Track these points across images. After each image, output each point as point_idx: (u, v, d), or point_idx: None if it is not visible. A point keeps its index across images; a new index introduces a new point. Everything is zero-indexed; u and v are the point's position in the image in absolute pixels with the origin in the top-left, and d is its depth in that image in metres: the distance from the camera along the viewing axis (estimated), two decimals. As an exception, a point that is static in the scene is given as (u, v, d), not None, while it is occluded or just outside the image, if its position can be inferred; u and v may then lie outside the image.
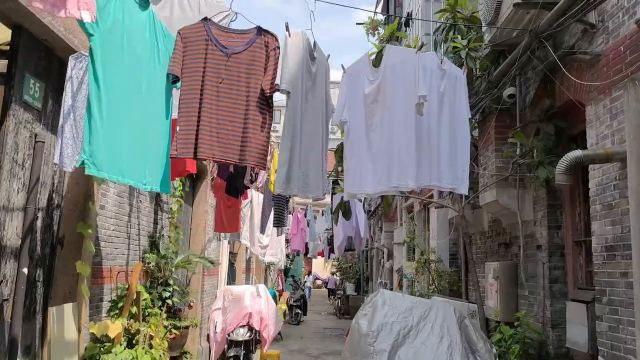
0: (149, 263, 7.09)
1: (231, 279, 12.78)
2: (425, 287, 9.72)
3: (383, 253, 16.16)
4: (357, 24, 15.17)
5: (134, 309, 5.90)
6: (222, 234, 10.50)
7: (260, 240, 12.23)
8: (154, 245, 7.45)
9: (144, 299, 6.18)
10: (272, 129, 3.96)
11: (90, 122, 3.19)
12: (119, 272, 6.12)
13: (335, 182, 17.63)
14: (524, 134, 5.61)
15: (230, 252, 12.85)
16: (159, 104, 3.89)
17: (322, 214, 16.16)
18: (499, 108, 6.05)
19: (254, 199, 12.09)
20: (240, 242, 12.28)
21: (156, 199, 7.70)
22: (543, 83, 5.59)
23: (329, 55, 4.28)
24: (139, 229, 7.09)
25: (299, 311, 18.25)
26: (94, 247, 5.61)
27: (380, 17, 14.62)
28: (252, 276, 16.54)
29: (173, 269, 7.20)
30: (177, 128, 3.87)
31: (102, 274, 6.06)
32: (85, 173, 3.25)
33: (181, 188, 7.43)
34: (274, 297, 15.41)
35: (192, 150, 3.86)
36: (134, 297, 5.91)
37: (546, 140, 5.35)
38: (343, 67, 4.29)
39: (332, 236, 14.10)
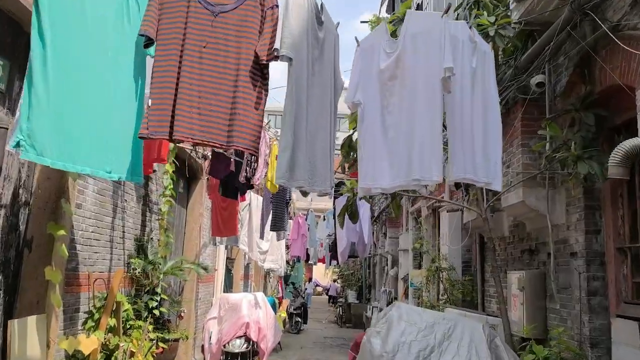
0: (134, 269, 6.36)
1: (228, 287, 12.03)
2: (435, 297, 8.97)
3: (387, 260, 15.40)
4: (362, 22, 14.48)
5: (113, 321, 5.17)
6: (218, 239, 9.76)
7: (259, 246, 11.49)
8: (141, 249, 6.72)
9: (125, 310, 5.44)
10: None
11: (30, 92, 2.47)
12: (96, 280, 5.39)
13: (338, 184, 16.92)
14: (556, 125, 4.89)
15: (227, 258, 12.10)
16: (128, 73, 3.16)
17: (324, 219, 15.40)
18: (527, 98, 5.33)
19: (253, 201, 11.37)
20: (238, 247, 11.54)
21: (144, 198, 6.98)
22: (579, 67, 4.87)
23: (338, 23, 3.57)
24: (123, 232, 6.36)
25: (300, 319, 17.45)
26: (67, 251, 4.88)
27: (386, 14, 13.96)
28: (251, 283, 15.77)
29: (161, 276, 6.46)
30: (149, 102, 3.14)
31: (79, 282, 5.33)
32: (20, 158, 2.53)
33: (171, 187, 6.71)
34: (274, 305, 14.64)
35: (167, 130, 3.13)
36: (113, 308, 5.17)
37: (585, 131, 4.63)
38: (357, 40, 3.58)
39: (334, 242, 13.36)
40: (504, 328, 5.19)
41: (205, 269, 7.37)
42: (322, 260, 24.10)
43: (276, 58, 3.10)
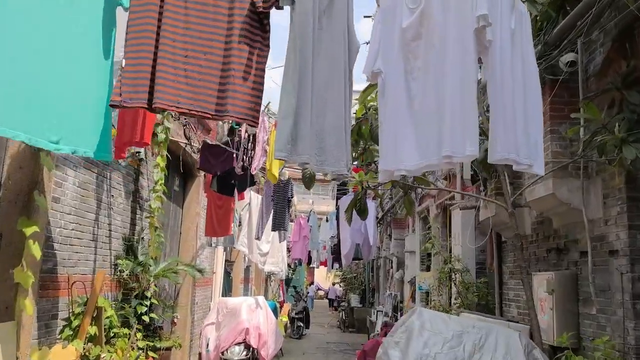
0: (122, 271, 5.75)
1: (227, 290, 11.42)
2: (447, 301, 8.35)
3: (392, 263, 14.78)
4: (365, 16, 13.95)
5: (94, 329, 4.55)
6: (215, 239, 9.15)
7: (259, 247, 10.88)
8: (130, 250, 6.12)
9: (109, 317, 4.83)
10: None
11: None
12: (74, 282, 4.77)
13: (343, 184, 16.28)
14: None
15: (226, 261, 11.49)
16: (90, 26, 2.55)
17: (327, 220, 14.78)
18: (557, 79, 4.74)
19: (253, 200, 10.76)
20: (236, 248, 10.93)
21: (134, 195, 6.38)
22: (618, 42, 4.28)
23: (349, -26, 2.99)
24: (110, 230, 5.76)
25: (301, 324, 16.81)
26: (41, 250, 4.27)
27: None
28: (251, 287, 15.15)
29: (151, 279, 5.85)
30: (123, 63, 2.54)
31: (56, 285, 4.72)
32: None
33: (162, 182, 6.11)
34: (275, 309, 14.01)
35: (146, 97, 2.52)
36: (94, 314, 4.56)
37: (629, 112, 4.03)
38: (377, 1, 2.98)
39: (336, 244, 12.73)
40: (533, 336, 4.57)
41: (200, 271, 6.77)
42: (324, 264, 23.46)
43: (275, 3, 2.50)
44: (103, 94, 2.62)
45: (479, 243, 7.91)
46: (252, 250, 10.58)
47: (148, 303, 5.76)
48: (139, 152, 5.72)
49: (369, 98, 4.91)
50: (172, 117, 6.49)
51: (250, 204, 10.72)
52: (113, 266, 5.82)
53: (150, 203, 6.06)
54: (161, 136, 6.09)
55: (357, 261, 15.40)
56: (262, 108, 6.32)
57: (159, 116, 6.18)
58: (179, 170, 8.68)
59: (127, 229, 6.21)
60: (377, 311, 15.34)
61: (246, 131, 5.75)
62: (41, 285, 4.46)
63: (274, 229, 8.90)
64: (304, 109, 2.46)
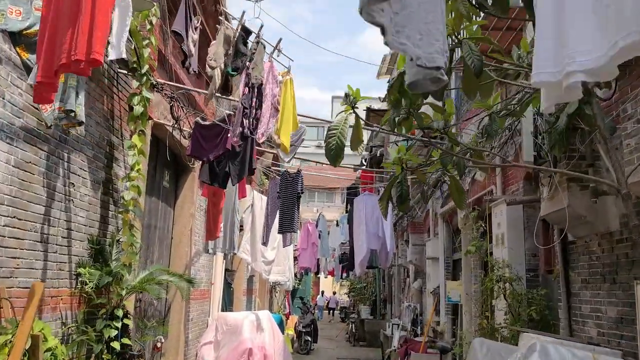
0: (84, 283, 4.30)
1: (228, 304, 9.93)
2: (487, 315, 6.81)
3: (408, 271, 13.27)
4: (334, 97, 12.57)
5: (29, 367, 3.09)
6: (211, 245, 7.67)
7: (264, 255, 9.41)
8: (100, 255, 4.66)
9: (50, 349, 3.35)
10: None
11: None
12: (2, 299, 3.30)
13: (351, 188, 14.85)
14: None
15: (226, 270, 10.01)
16: None
17: (337, 225, 13.24)
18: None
19: (256, 202, 9.31)
20: (238, 255, 9.46)
21: (105, 185, 4.92)
22: None
23: None
24: (69, 230, 4.31)
25: (309, 338, 15.27)
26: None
27: None
28: (255, 299, 13.63)
29: (124, 292, 4.38)
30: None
31: (-21, 303, 3.27)
32: None
33: (140, 167, 4.66)
34: (280, 323, 12.49)
35: None
36: (27, 345, 3.10)
37: None
38: None
39: (350, 251, 11.24)
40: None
41: (190, 282, 5.30)
42: (332, 273, 21.93)
43: None
44: None
45: (529, 245, 6.44)
46: (256, 257, 9.11)
47: (119, 325, 4.28)
48: (72, 112, 3.74)
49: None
50: (154, 85, 5.06)
51: (254, 205, 9.27)
52: (74, 276, 4.36)
53: (124, 194, 4.61)
54: (138, 109, 4.67)
55: (372, 269, 13.88)
56: (274, 52, 4.88)
57: (135, 83, 4.77)
58: (168, 162, 7.24)
59: (95, 228, 4.75)
60: (393, 324, 13.81)
61: (248, 84, 4.27)
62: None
63: (281, 231, 7.42)
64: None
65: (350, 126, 3.43)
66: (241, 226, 9.47)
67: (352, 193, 13.10)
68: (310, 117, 10.75)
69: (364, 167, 17.01)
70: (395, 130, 3.64)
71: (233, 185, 5.59)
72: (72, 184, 4.32)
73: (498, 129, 4.24)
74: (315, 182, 34.68)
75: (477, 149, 4.05)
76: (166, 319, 7.42)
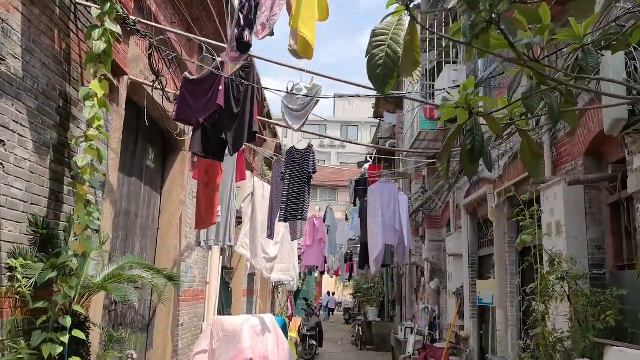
0: (17, 281, 3.02)
1: (225, 306, 8.62)
2: (539, 320, 5.49)
3: (423, 270, 11.97)
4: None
5: None
6: (204, 236, 6.37)
7: (265, 250, 8.11)
8: (49, 243, 3.38)
9: None
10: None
11: None
12: None
13: (360, 180, 13.53)
14: None
15: (224, 267, 8.71)
16: None
17: (346, 219, 11.88)
18: None
19: (257, 190, 8.02)
20: (233, 250, 8.17)
21: (57, 150, 3.62)
22: None
23: None
24: (-4, 204, 3.02)
25: (314, 342, 13.96)
26: None
27: None
28: (256, 301, 12.32)
29: (73, 294, 3.09)
30: None
31: None
32: None
33: (101, 122, 3.37)
34: (284, 327, 11.19)
35: None
36: None
37: None
38: None
39: (364, 247, 9.91)
40: None
41: (171, 278, 3.99)
42: (336, 273, 20.62)
43: None
44: None
45: (593, 235, 5.16)
46: (256, 253, 7.81)
47: (65, 338, 2.99)
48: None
49: None
50: (123, 20, 3.78)
51: (254, 194, 7.99)
52: (5, 270, 3.08)
53: (77, 159, 3.31)
54: (99, 45, 3.39)
55: (385, 267, 12.55)
56: None
57: (95, 10, 3.49)
58: (153, 138, 5.99)
59: (41, 206, 3.46)
60: (406, 328, 12.51)
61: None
62: None
63: (285, 219, 6.10)
64: None
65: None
66: (239, 218, 8.19)
67: (361, 184, 11.80)
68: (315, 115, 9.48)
69: (369, 163, 15.73)
70: (472, 43, 2.37)
71: (231, 155, 4.31)
72: (1, 141, 3.03)
73: (596, 63, 2.96)
74: (317, 179, 33.45)
75: (581, 87, 2.74)
76: (151, 324, 6.14)
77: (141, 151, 5.73)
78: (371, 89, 6.67)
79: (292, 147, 5.99)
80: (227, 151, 4.26)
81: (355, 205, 11.90)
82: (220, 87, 3.94)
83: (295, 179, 5.84)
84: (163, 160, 6.45)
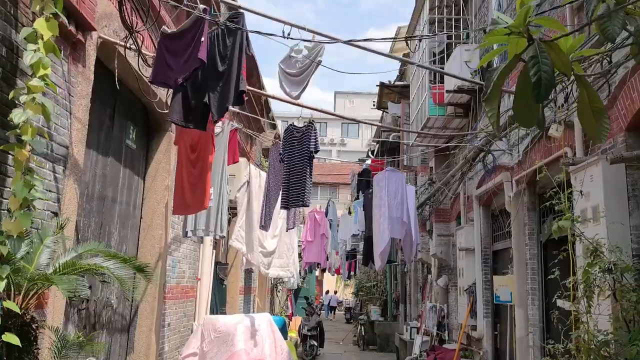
0: None
1: (219, 304, 7.89)
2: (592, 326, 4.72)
3: (429, 267, 11.23)
4: None
5: None
6: (192, 224, 5.63)
7: (262, 244, 7.37)
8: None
9: None
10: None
11: None
12: None
13: (363, 173, 12.82)
14: None
15: (217, 263, 7.97)
16: None
17: (349, 212, 11.09)
18: None
19: (254, 179, 7.29)
20: (231, 245, 7.43)
21: (-2, 110, 2.90)
22: None
23: None
24: None
25: (315, 343, 13.21)
26: None
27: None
28: (253, 299, 11.57)
29: (2, 287, 2.36)
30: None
31: None
32: None
33: (47, 74, 2.63)
34: (283, 327, 10.44)
35: None
36: None
37: None
38: None
39: (367, 242, 9.17)
40: None
41: (142, 270, 3.23)
42: (337, 271, 19.87)
43: None
44: None
45: (636, 222, 4.44)
46: (252, 247, 7.08)
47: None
48: None
49: None
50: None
51: (250, 183, 7.26)
52: None
53: (13, 115, 2.57)
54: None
55: (391, 263, 11.80)
56: None
57: None
58: (133, 114, 5.27)
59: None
60: (412, 328, 11.77)
61: None
62: None
63: (285, 206, 5.36)
64: None
65: None
66: (234, 209, 7.47)
67: (364, 176, 11.06)
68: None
69: (372, 157, 15.02)
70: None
71: (214, 121, 3.58)
72: None
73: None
74: (318, 177, 32.70)
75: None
76: (132, 325, 5.41)
77: (119, 128, 4.99)
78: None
79: (290, 124, 5.25)
80: (211, 118, 3.53)
81: (358, 198, 11.16)
82: (203, 39, 3.21)
83: (296, 160, 5.10)
84: (147, 140, 5.72)
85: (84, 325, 4.46)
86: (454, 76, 5.75)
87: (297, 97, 4.20)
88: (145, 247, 5.55)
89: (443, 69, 8.86)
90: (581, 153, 5.16)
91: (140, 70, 4.34)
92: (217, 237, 5.80)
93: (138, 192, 5.54)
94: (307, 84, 4.13)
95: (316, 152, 5.01)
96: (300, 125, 5.23)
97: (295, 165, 5.10)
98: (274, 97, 5.42)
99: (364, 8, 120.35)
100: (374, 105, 32.69)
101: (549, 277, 5.94)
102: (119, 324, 5.17)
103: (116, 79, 3.97)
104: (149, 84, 4.05)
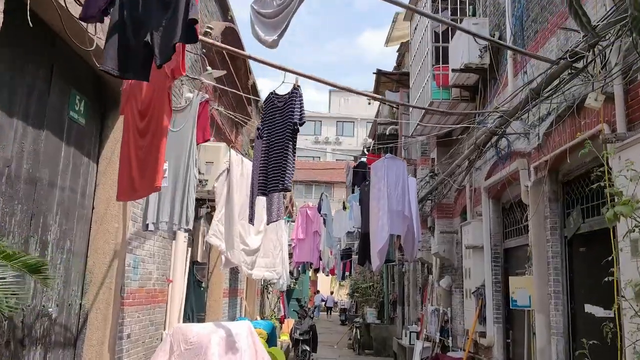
0: None
1: (196, 310, 6.85)
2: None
3: (430, 267, 10.24)
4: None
5: None
6: (152, 219, 4.61)
7: (244, 240, 6.35)
8: None
9: None
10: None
11: None
12: None
13: (359, 166, 11.86)
14: None
15: (194, 262, 6.96)
16: None
17: (344, 208, 10.08)
18: None
19: (235, 167, 6.29)
20: (208, 241, 6.42)
21: None
22: None
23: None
24: None
25: (307, 348, 12.19)
26: None
27: None
28: (241, 302, 10.53)
29: None
30: None
31: None
32: None
33: None
34: (272, 332, 9.43)
35: None
36: None
37: None
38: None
39: (363, 240, 8.18)
40: None
41: (36, 270, 2.17)
42: (332, 272, 18.86)
43: None
44: None
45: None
46: (232, 244, 6.07)
47: None
48: None
49: None
50: None
51: (231, 171, 6.25)
52: None
53: None
54: None
55: (390, 263, 10.81)
56: None
57: None
58: (81, 82, 4.27)
59: None
60: (411, 332, 10.79)
61: None
62: None
63: (268, 191, 4.34)
64: None
65: None
66: (212, 201, 6.47)
67: (360, 168, 10.08)
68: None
69: (367, 154, 14.07)
70: None
71: (158, 66, 2.59)
72: None
73: None
74: (312, 175, 31.66)
75: None
76: (79, 339, 4.39)
77: (59, 95, 3.99)
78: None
79: (271, 92, 4.25)
80: (155, 63, 2.54)
81: (353, 193, 10.17)
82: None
83: (277, 135, 4.11)
84: (101, 116, 4.71)
85: (6, 341, 3.46)
86: (469, 32, 4.77)
87: (274, 43, 3.22)
88: (98, 243, 4.54)
89: (447, 50, 7.91)
90: (623, 129, 4.20)
91: (66, 6, 3.33)
92: (182, 230, 4.80)
93: (89, 176, 4.53)
94: (286, 26, 3.14)
95: (301, 123, 3.97)
96: (284, 93, 4.24)
97: (275, 141, 4.09)
98: (251, 58, 4.41)
99: (356, 8, 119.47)
100: (369, 102, 31.46)
101: (586, 279, 4.97)
102: (60, 338, 4.15)
103: (28, 12, 2.94)
104: (80, 21, 3.05)
